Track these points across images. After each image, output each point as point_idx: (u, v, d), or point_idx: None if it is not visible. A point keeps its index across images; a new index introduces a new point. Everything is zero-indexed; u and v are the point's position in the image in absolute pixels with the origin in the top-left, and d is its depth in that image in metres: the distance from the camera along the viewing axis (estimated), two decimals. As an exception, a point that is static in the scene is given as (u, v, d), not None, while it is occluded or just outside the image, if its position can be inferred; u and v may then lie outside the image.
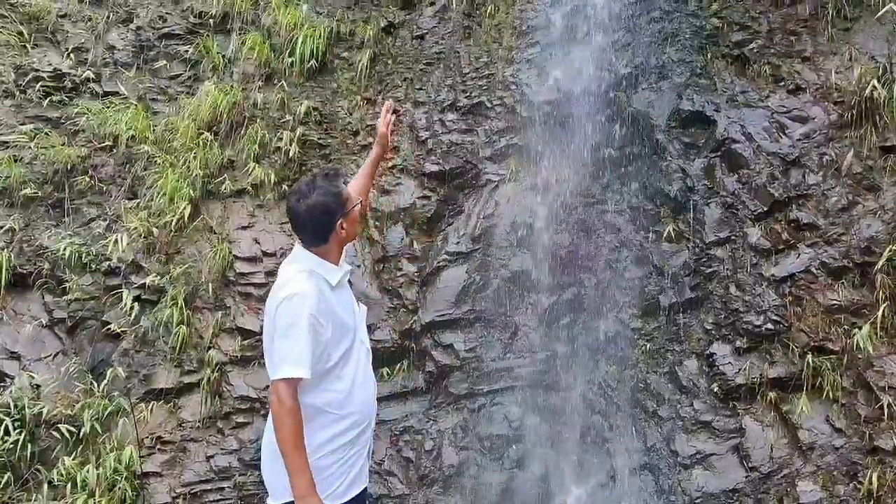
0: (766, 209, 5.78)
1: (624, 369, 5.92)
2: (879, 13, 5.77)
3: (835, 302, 5.41)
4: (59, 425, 5.59)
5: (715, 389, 5.56)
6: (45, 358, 5.96)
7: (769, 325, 5.50)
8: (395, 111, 4.30)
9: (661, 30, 6.64)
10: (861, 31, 5.97)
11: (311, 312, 3.17)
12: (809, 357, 5.27)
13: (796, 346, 5.39)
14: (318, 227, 3.36)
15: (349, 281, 3.68)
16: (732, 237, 5.84)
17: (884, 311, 5.15)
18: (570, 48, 6.87)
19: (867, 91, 5.59)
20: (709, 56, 6.39)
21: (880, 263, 5.25)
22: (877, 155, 5.59)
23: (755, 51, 6.23)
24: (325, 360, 3.27)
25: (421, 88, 7.19)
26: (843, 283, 5.47)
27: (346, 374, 3.37)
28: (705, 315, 5.81)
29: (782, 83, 6.06)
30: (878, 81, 5.58)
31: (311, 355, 3.16)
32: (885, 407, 4.96)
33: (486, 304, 6.27)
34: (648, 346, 5.92)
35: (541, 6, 7.19)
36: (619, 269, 6.17)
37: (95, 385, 5.82)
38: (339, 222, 3.37)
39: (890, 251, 5.23)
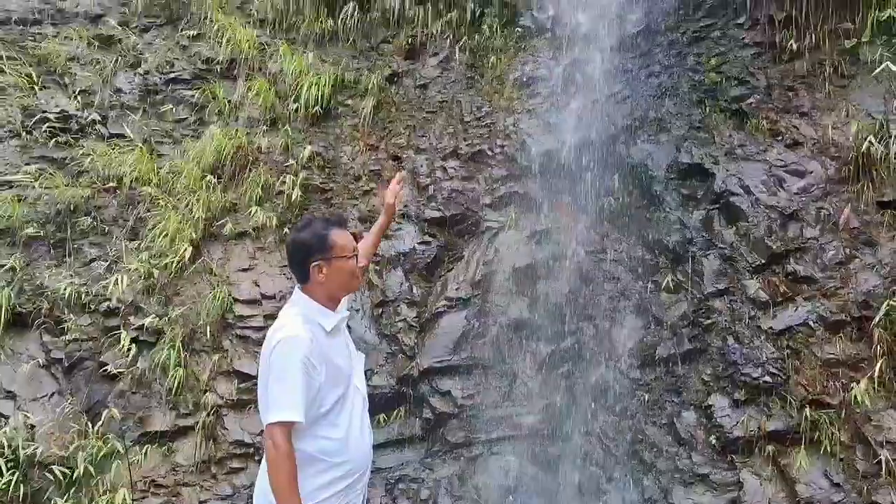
0: (764, 262, 5.82)
1: (622, 420, 5.90)
2: (875, 71, 5.87)
3: (833, 356, 5.41)
4: (52, 466, 5.53)
5: (713, 442, 5.52)
6: (41, 398, 5.93)
7: (767, 378, 5.50)
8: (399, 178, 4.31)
9: (660, 84, 6.75)
10: (858, 89, 6.07)
11: (305, 356, 3.15)
12: (807, 411, 5.25)
13: (794, 400, 5.37)
14: (296, 263, 3.42)
15: (348, 326, 3.68)
16: (731, 289, 5.86)
17: (881, 365, 5.14)
18: (570, 100, 6.98)
19: (864, 147, 5.66)
20: (707, 110, 6.49)
21: (878, 318, 5.26)
22: (874, 210, 5.64)
23: (753, 105, 6.32)
24: (318, 404, 3.23)
25: (423, 136, 7.28)
26: (840, 336, 5.47)
27: (341, 421, 3.33)
28: (704, 366, 5.80)
29: (780, 137, 6.14)
30: (875, 137, 5.66)
31: (304, 399, 3.14)
32: (883, 462, 4.92)
33: (484, 352, 6.26)
34: (647, 396, 5.90)
35: (542, 59, 7.32)
36: (617, 319, 6.18)
37: (90, 426, 5.77)
38: (315, 264, 3.35)
39: (887, 306, 5.24)
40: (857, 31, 6.14)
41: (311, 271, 3.37)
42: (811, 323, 5.56)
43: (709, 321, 5.85)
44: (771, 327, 5.63)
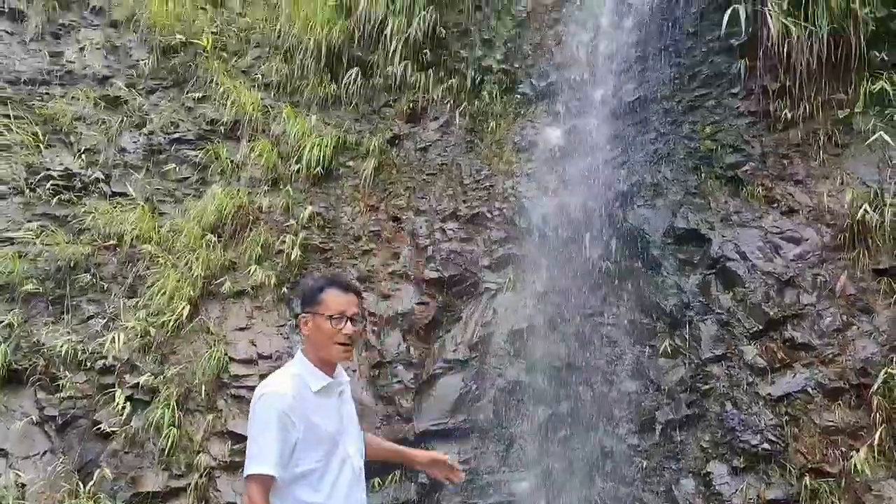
0: (761, 328, 5.81)
1: (620, 487, 5.82)
2: (869, 140, 5.96)
3: (831, 423, 5.37)
4: (41, 527, 5.46)
5: (712, 510, 5.45)
6: (33, 456, 5.86)
7: (766, 445, 5.45)
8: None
9: (657, 150, 6.85)
10: (852, 157, 6.15)
11: (283, 411, 3.08)
12: (807, 479, 5.18)
13: (794, 468, 5.31)
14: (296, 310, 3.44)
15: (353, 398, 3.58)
16: (728, 354, 5.85)
17: (881, 434, 5.10)
18: (568, 164, 7.07)
19: (859, 215, 5.71)
20: (703, 176, 6.57)
21: (876, 385, 5.23)
22: (870, 277, 5.67)
23: (749, 173, 6.40)
24: (294, 463, 3.12)
25: (423, 197, 7.36)
26: (839, 404, 5.43)
27: (322, 486, 3.19)
28: (702, 433, 5.75)
29: (776, 204, 6.20)
30: (870, 206, 5.72)
31: (279, 454, 3.06)
32: (885, 533, 4.86)
33: (481, 415, 6.22)
34: (645, 463, 5.83)
35: (540, 124, 7.45)
36: (615, 383, 6.16)
37: (82, 486, 5.71)
38: (302, 316, 3.34)
39: (885, 373, 5.23)
40: (850, 101, 6.25)
41: (300, 323, 3.38)
42: (809, 390, 5.53)
43: (707, 387, 5.82)
44: (769, 394, 5.60)
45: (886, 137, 5.86)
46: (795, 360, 5.65)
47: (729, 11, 6.42)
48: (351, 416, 3.46)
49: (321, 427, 3.20)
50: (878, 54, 6.23)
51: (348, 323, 3.26)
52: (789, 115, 6.39)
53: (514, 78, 7.83)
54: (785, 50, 6.27)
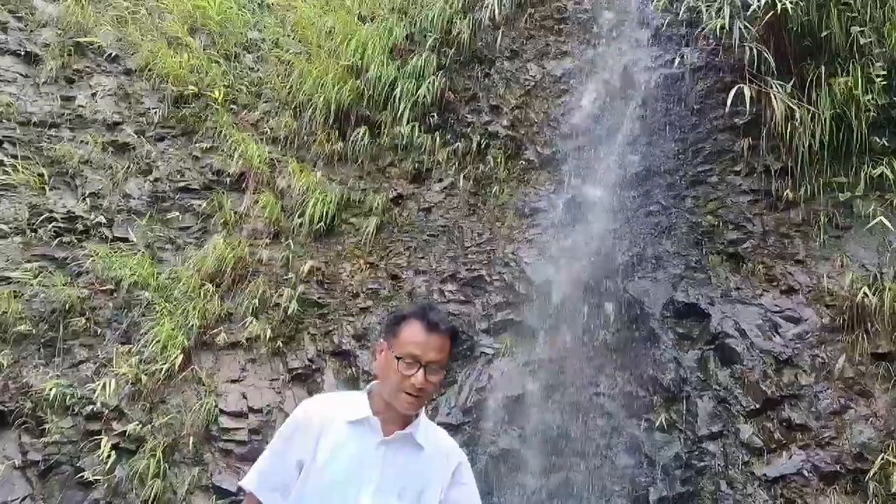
0: (758, 406, 5.77)
1: (610, 563, 5.70)
2: (869, 224, 6.01)
3: (828, 509, 5.29)
4: (14, 577, 5.30)
5: (704, 593, 5.32)
6: (13, 501, 5.71)
7: (761, 528, 5.36)
8: None
9: (658, 223, 6.89)
10: (852, 240, 6.20)
11: (298, 421, 2.68)
12: (802, 566, 5.10)
13: (789, 553, 5.22)
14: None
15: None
16: (725, 432, 5.79)
17: (878, 522, 5.03)
18: (569, 232, 7.11)
19: (858, 298, 5.73)
20: (704, 251, 6.60)
21: (872, 472, 5.18)
22: (868, 361, 5.65)
23: (749, 250, 6.44)
24: (297, 497, 2.60)
25: (423, 258, 7.37)
26: (835, 488, 5.36)
27: None
28: (696, 511, 5.66)
29: (775, 283, 6.22)
30: (869, 289, 5.74)
31: (266, 469, 2.69)
32: None
33: (472, 482, 6.10)
34: (637, 539, 5.73)
35: (543, 192, 7.51)
36: (609, 456, 6.07)
37: (59, 536, 5.57)
38: (381, 341, 2.79)
39: (882, 460, 5.17)
40: (851, 184, 6.33)
41: (376, 350, 2.85)
42: (805, 473, 5.46)
43: (702, 464, 5.74)
44: (765, 474, 5.53)
45: (886, 222, 5.92)
46: (792, 441, 5.60)
47: (734, 91, 6.54)
48: (401, 487, 2.65)
49: (330, 464, 2.60)
50: (878, 140, 6.35)
51: (421, 371, 2.61)
52: (791, 195, 6.46)
53: (519, 144, 7.92)
54: (788, 131, 6.39)
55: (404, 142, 7.97)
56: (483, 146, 7.93)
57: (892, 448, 5.22)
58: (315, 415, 2.68)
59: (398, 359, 2.61)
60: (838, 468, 5.39)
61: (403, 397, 2.62)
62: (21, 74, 7.96)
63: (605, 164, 7.35)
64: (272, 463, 2.70)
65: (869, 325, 5.72)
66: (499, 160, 7.84)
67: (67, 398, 6.14)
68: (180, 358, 6.46)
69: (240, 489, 2.87)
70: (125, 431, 6.08)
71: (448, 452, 2.82)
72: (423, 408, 2.78)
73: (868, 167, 6.27)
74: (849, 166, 6.41)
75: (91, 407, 6.16)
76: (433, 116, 8.08)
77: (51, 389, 6.07)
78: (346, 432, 2.64)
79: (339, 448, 2.61)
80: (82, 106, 8.00)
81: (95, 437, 6.02)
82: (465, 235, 7.46)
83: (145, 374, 6.37)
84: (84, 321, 6.63)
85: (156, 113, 8.19)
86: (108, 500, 5.85)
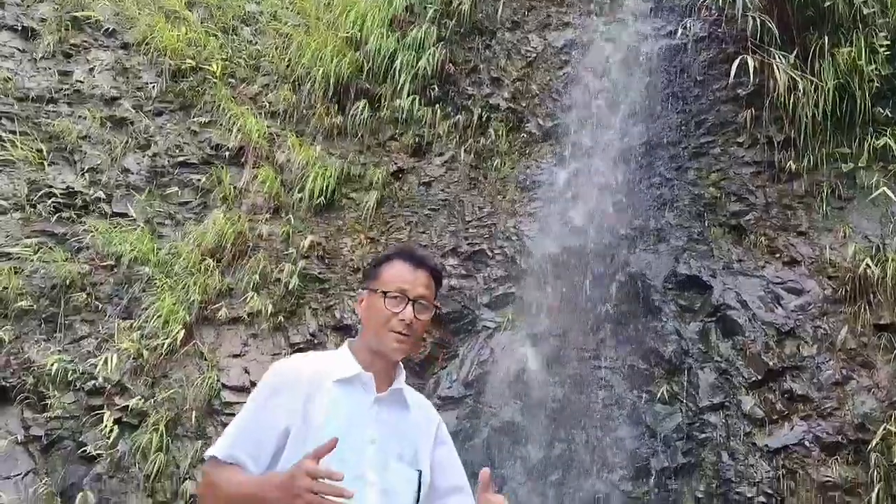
0: (760, 378, 5.77)
1: (612, 534, 5.73)
2: (872, 195, 5.98)
3: (828, 479, 5.29)
4: (19, 550, 5.33)
5: (705, 563, 5.35)
6: (15, 476, 5.74)
7: (762, 498, 5.36)
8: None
9: (661, 195, 6.86)
10: (855, 211, 6.17)
11: (276, 385, 2.43)
12: (803, 535, 5.12)
13: (790, 523, 5.24)
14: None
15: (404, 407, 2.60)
16: (726, 404, 5.79)
17: (878, 491, 5.03)
18: (571, 205, 7.07)
19: (861, 269, 5.71)
20: (706, 223, 6.57)
21: (874, 442, 5.18)
22: (870, 332, 5.64)
23: (752, 222, 6.41)
24: (279, 459, 2.34)
25: (424, 232, 7.34)
26: (837, 458, 5.37)
27: None
28: (697, 482, 5.66)
29: (778, 255, 6.19)
30: (872, 260, 5.72)
31: (241, 436, 2.37)
32: None
33: (474, 454, 6.11)
34: (638, 510, 5.75)
35: (545, 164, 7.46)
36: (611, 428, 6.08)
37: (63, 509, 5.60)
38: (359, 292, 2.67)
39: (884, 430, 5.18)
40: (854, 155, 6.29)
41: (356, 304, 2.70)
42: (807, 443, 5.47)
43: (703, 435, 5.75)
44: (766, 445, 5.54)
45: (889, 193, 5.90)
46: (794, 412, 5.60)
47: (737, 62, 6.48)
48: (398, 448, 2.48)
49: (325, 427, 2.34)
50: (882, 111, 6.31)
51: (409, 307, 2.47)
52: (793, 167, 6.42)
53: (520, 117, 7.86)
54: (791, 102, 6.33)
55: (404, 115, 7.90)
56: (484, 119, 7.87)
57: (894, 418, 5.21)
58: (297, 377, 2.43)
59: (385, 294, 2.46)
60: (840, 439, 5.40)
61: (391, 336, 2.45)
62: (18, 49, 7.91)
63: (607, 137, 7.30)
64: (248, 429, 2.39)
65: (871, 296, 5.70)
66: (500, 133, 7.78)
67: (69, 373, 6.15)
68: (182, 333, 6.45)
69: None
70: (127, 406, 6.10)
71: (428, 411, 2.71)
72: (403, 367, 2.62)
73: (871, 138, 6.22)
74: (852, 137, 6.36)
75: (93, 382, 6.17)
76: (433, 89, 8.01)
77: (52, 365, 6.08)
78: (336, 392, 2.42)
79: (333, 408, 2.39)
80: (80, 81, 7.95)
81: (97, 412, 6.04)
82: (466, 209, 7.43)
83: (147, 349, 6.38)
84: (85, 297, 6.63)
85: (153, 87, 8.14)
86: (110, 473, 5.88)
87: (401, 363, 2.58)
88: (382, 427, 2.46)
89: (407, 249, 2.67)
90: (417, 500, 2.47)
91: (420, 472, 2.50)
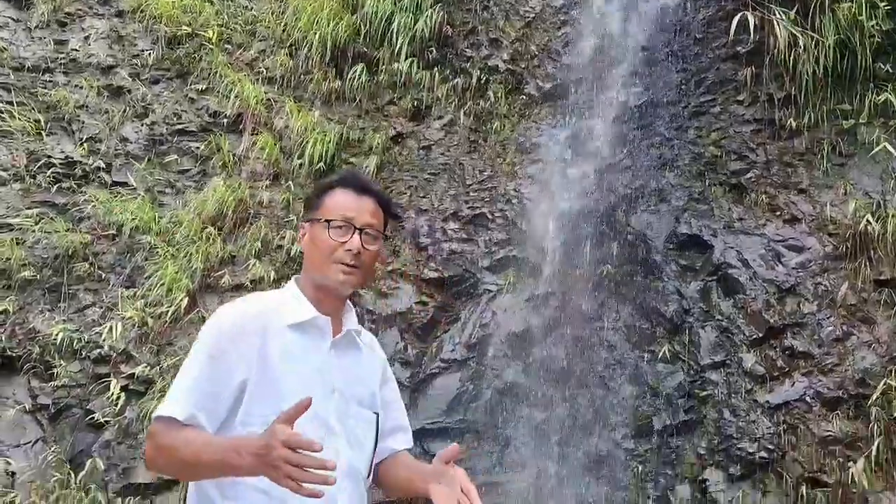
0: (761, 335, 5.80)
1: (615, 491, 5.79)
2: (873, 151, 5.96)
3: (829, 433, 5.35)
4: (30, 516, 5.41)
5: (707, 517, 5.43)
6: (24, 445, 5.81)
7: (763, 454, 5.42)
8: None
9: (661, 155, 6.84)
10: (855, 167, 6.15)
11: (226, 335, 2.19)
12: (804, 489, 5.17)
13: (790, 477, 5.29)
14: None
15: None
16: (727, 361, 5.84)
17: (879, 445, 5.08)
18: (571, 167, 7.06)
19: (861, 225, 5.71)
20: (707, 182, 6.56)
21: (875, 396, 5.22)
22: (871, 288, 5.66)
23: (752, 180, 6.39)
24: (241, 419, 2.14)
25: (424, 196, 7.33)
26: (837, 414, 5.42)
27: None
28: (699, 439, 5.73)
29: (778, 213, 6.19)
30: (873, 216, 5.71)
31: (197, 391, 2.13)
32: (881, 545, 4.83)
33: (477, 415, 6.19)
34: (641, 468, 5.80)
35: (545, 126, 7.43)
36: (613, 388, 6.13)
37: (73, 476, 5.66)
38: (301, 224, 2.45)
39: (884, 385, 5.22)
40: (855, 112, 6.25)
41: (299, 230, 2.46)
42: (808, 399, 5.51)
43: (705, 393, 5.80)
44: (767, 401, 5.59)
45: (890, 148, 5.87)
46: (794, 368, 5.64)
47: (737, 19, 6.42)
48: (357, 392, 2.36)
49: (284, 376, 2.19)
50: (883, 66, 6.26)
51: (356, 235, 2.28)
52: (794, 124, 6.39)
53: (519, 79, 7.81)
54: (791, 59, 6.28)
55: (402, 79, 7.85)
56: (483, 81, 7.82)
57: (894, 373, 5.25)
58: (247, 324, 2.21)
59: (328, 223, 2.27)
60: (840, 394, 5.44)
61: (336, 268, 2.26)
62: (12, 19, 7.84)
63: (607, 97, 7.26)
64: (204, 384, 2.14)
65: (871, 252, 5.70)
66: (499, 95, 7.74)
67: (74, 342, 6.20)
68: (185, 301, 6.48)
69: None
70: (133, 374, 6.15)
71: (376, 349, 2.55)
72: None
73: (872, 94, 6.17)
74: (853, 93, 6.31)
75: (98, 350, 6.22)
76: (431, 52, 7.94)
77: (58, 334, 6.13)
78: (291, 336, 2.24)
79: (288, 357, 2.22)
80: (75, 50, 7.89)
81: (104, 380, 6.09)
82: (467, 173, 7.41)
83: (151, 318, 6.41)
84: (87, 266, 6.65)
85: (150, 55, 8.07)
86: (119, 440, 5.94)
87: (349, 301, 2.42)
88: (342, 373, 2.32)
89: (350, 175, 2.44)
90: (376, 443, 2.41)
91: (377, 415, 2.41)
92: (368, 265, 2.34)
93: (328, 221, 2.27)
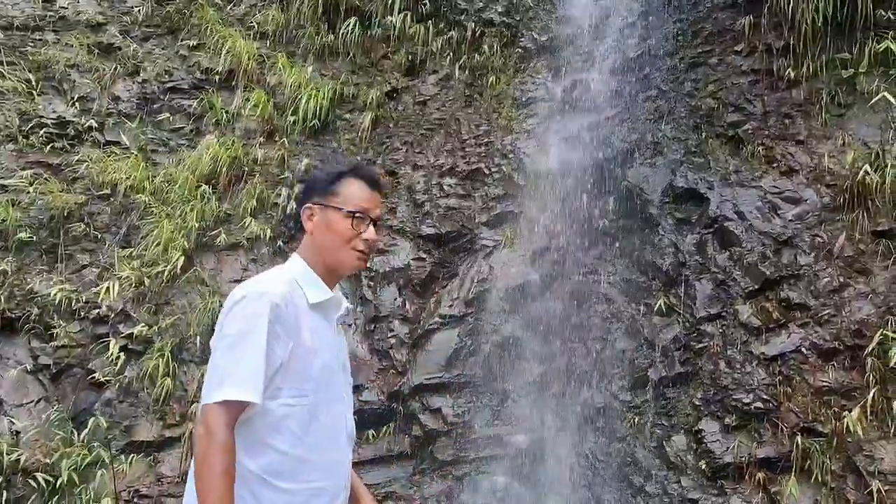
0: (757, 287, 5.81)
1: (612, 442, 5.86)
2: (872, 101, 5.90)
3: (825, 383, 5.39)
4: (36, 474, 5.47)
5: (703, 467, 5.48)
6: (27, 404, 5.87)
7: (758, 404, 5.47)
8: None
9: (658, 108, 6.78)
10: (854, 118, 6.10)
11: (273, 319, 2.28)
12: (799, 438, 5.22)
13: (785, 427, 5.35)
14: (298, 207, 2.64)
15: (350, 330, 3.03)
16: (723, 314, 5.86)
17: (874, 395, 5.13)
18: (568, 121, 7.00)
19: (859, 176, 5.69)
20: (703, 135, 6.51)
21: (871, 347, 5.25)
22: (868, 239, 5.66)
23: (749, 132, 6.35)
24: (272, 395, 2.30)
25: (420, 152, 7.29)
26: (833, 364, 5.45)
27: (309, 436, 2.36)
28: (695, 391, 5.77)
29: (775, 164, 6.16)
30: (871, 167, 5.68)
31: (264, 376, 2.25)
32: (875, 493, 4.89)
33: (476, 370, 6.23)
34: (637, 419, 5.86)
35: (540, 79, 7.36)
36: (610, 341, 6.16)
37: (76, 434, 5.73)
38: (308, 206, 2.55)
39: (881, 335, 5.24)
40: (854, 61, 6.18)
41: (303, 216, 2.56)
42: (804, 350, 5.55)
43: (700, 345, 5.83)
44: (763, 353, 5.62)
45: (890, 98, 5.82)
46: (790, 320, 5.66)
47: (735, -34, 6.32)
48: (346, 361, 2.67)
49: (312, 354, 2.39)
50: (884, 14, 6.17)
51: (371, 227, 2.53)
52: (792, 74, 6.33)
53: (515, 31, 7.71)
54: (790, 7, 6.19)
55: (396, 32, 7.75)
56: (478, 34, 7.72)
57: (891, 323, 5.28)
58: (282, 304, 2.33)
59: (352, 215, 2.48)
60: (836, 345, 5.47)
61: (353, 255, 2.50)
62: (-2, -24, 7.71)
63: (603, 49, 7.17)
64: (262, 368, 2.26)
65: (869, 203, 5.69)
66: (494, 49, 7.65)
67: (73, 303, 6.21)
68: (182, 260, 6.48)
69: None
70: (132, 333, 6.17)
71: (346, 305, 2.73)
72: None
73: (872, 42, 6.10)
74: (852, 42, 6.23)
75: (97, 311, 6.24)
76: (425, 5, 7.83)
77: (56, 295, 6.14)
78: (309, 314, 2.43)
79: (314, 336, 2.42)
80: (64, 7, 7.79)
81: (103, 340, 6.12)
82: (463, 128, 7.36)
83: (148, 277, 6.42)
84: (83, 226, 6.64)
85: (139, 11, 7.97)
86: (120, 399, 6.00)
87: None
88: (341, 347, 2.62)
89: (360, 168, 2.62)
90: None
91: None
92: (374, 249, 2.68)
93: (352, 213, 2.48)
